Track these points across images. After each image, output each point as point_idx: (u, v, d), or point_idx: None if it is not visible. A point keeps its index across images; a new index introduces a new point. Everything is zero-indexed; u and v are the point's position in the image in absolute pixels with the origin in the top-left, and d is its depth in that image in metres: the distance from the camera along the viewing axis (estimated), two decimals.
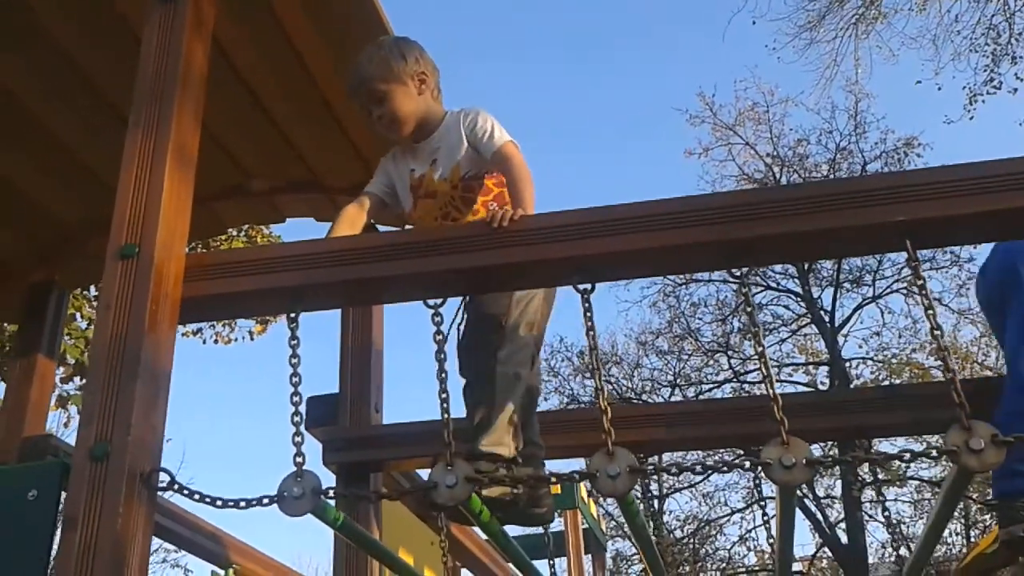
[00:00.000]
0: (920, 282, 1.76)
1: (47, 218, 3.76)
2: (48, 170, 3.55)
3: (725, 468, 1.68)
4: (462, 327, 2.45)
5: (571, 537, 6.78)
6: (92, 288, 9.40)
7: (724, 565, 18.91)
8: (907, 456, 1.62)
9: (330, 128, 3.38)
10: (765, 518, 2.58)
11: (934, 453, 1.62)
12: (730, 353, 19.73)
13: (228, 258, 2.21)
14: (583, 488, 7.61)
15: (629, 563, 20.03)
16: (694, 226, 1.88)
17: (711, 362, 20.19)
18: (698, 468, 1.72)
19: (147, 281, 1.97)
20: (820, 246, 2.06)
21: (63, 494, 1.85)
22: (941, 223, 1.81)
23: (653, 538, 2.34)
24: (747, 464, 1.62)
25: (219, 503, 1.83)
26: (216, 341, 10.71)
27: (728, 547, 19.54)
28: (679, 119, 29.01)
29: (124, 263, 2.00)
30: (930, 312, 1.71)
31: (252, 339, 10.78)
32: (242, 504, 1.83)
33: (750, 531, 19.20)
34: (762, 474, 1.62)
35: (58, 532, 1.83)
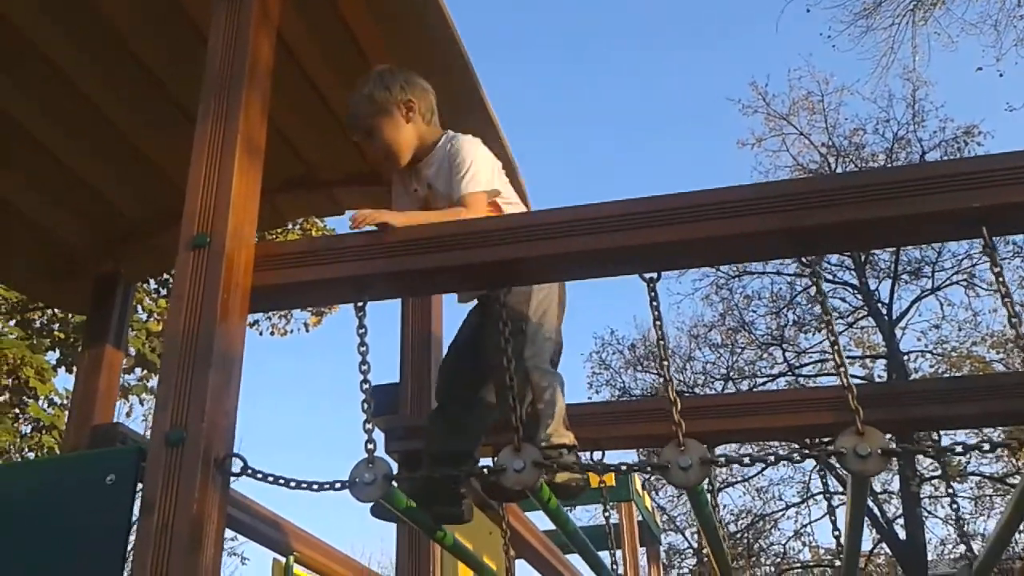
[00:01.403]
0: (996, 269, 1.72)
1: (112, 211, 3.84)
2: (113, 164, 3.63)
3: (798, 458, 1.66)
4: (461, 333, 2.50)
5: (626, 529, 6.76)
6: (152, 281, 9.61)
7: (779, 560, 18.72)
8: (986, 446, 1.59)
9: None
10: (831, 510, 2.55)
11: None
12: (785, 346, 19.48)
13: (296, 248, 2.24)
14: (637, 481, 7.59)
15: (682, 557, 19.96)
16: (764, 213, 1.86)
17: (765, 355, 19.97)
18: (770, 458, 1.70)
19: (218, 270, 2.00)
20: (894, 233, 2.02)
21: (140, 479, 1.90)
22: (1019, 209, 1.76)
23: (720, 529, 2.32)
24: (821, 454, 1.60)
25: (292, 484, 1.86)
26: (272, 333, 10.87)
27: (783, 542, 19.35)
28: (731, 109, 28.66)
29: (196, 253, 2.04)
30: (1007, 300, 1.68)
31: (307, 331, 10.93)
32: (315, 487, 1.86)
33: (805, 526, 18.99)
34: (828, 465, 1.59)
35: (135, 516, 1.88)
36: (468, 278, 2.10)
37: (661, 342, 1.80)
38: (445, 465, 2.27)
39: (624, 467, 1.80)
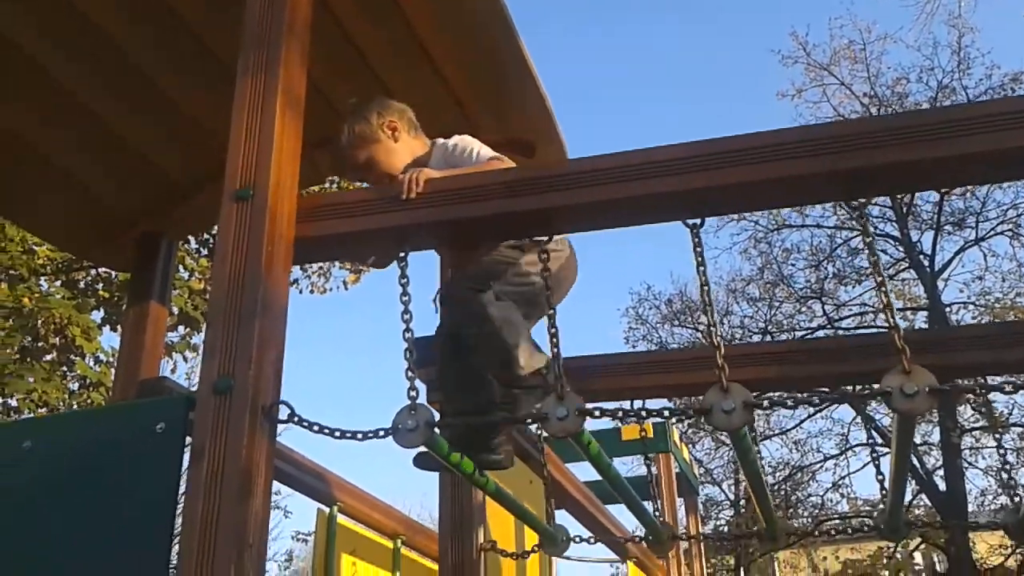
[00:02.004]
0: None
1: (154, 171, 3.87)
2: (154, 123, 3.65)
3: (841, 399, 1.65)
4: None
5: (664, 480, 6.79)
6: (192, 240, 9.72)
7: (817, 511, 18.72)
8: None
9: (427, 75, 3.38)
10: (874, 455, 2.54)
11: None
12: (824, 299, 19.30)
13: (338, 199, 2.25)
14: (675, 432, 7.61)
15: (719, 508, 20.03)
16: (810, 156, 1.83)
17: (804, 309, 19.81)
18: (815, 400, 1.69)
19: (262, 222, 2.02)
20: (942, 174, 1.98)
21: (189, 427, 1.94)
22: None
23: (764, 478, 2.33)
24: (866, 394, 1.58)
25: (337, 434, 1.89)
26: (312, 291, 10.97)
27: (821, 493, 19.34)
28: (771, 60, 28.15)
29: (239, 205, 2.05)
30: None
31: (346, 288, 11.01)
32: (359, 436, 1.88)
33: (843, 478, 18.95)
34: (864, 416, 1.58)
35: (186, 462, 1.92)
36: (510, 227, 2.09)
37: (705, 288, 1.80)
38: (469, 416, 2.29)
39: (667, 412, 1.81)
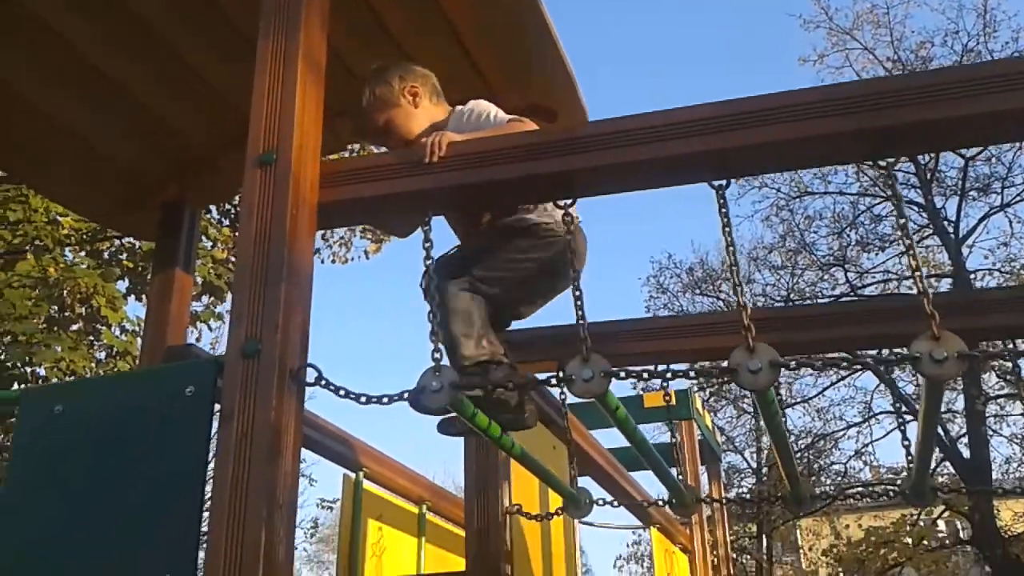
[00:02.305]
0: None
1: (177, 138, 3.88)
2: (176, 91, 3.65)
3: (871, 362, 1.64)
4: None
5: (687, 447, 6.80)
6: (214, 210, 9.77)
7: (839, 479, 18.72)
8: None
9: (448, 41, 3.36)
10: (900, 421, 2.52)
11: None
12: (847, 267, 19.17)
13: (362, 164, 2.25)
14: (698, 399, 7.61)
15: (741, 476, 20.07)
16: (837, 115, 1.81)
17: (826, 276, 19.69)
18: (843, 363, 1.68)
19: (285, 187, 2.02)
20: (973, 133, 1.95)
21: (217, 391, 1.96)
22: None
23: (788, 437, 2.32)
24: (894, 360, 1.58)
25: (363, 399, 1.90)
26: (334, 261, 11.01)
27: (843, 461, 19.33)
28: (792, 25, 27.77)
29: (263, 170, 2.06)
30: None
31: (367, 258, 11.04)
32: (384, 400, 1.89)
33: (866, 446, 18.92)
34: (888, 382, 1.57)
35: (215, 427, 1.94)
36: (533, 190, 2.09)
37: (730, 248, 1.79)
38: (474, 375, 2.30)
39: (692, 373, 1.80)
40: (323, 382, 1.90)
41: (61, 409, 2.13)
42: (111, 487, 2.02)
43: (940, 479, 18.35)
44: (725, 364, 1.67)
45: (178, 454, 1.98)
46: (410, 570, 4.24)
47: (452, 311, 2.28)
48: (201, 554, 1.87)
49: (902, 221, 1.72)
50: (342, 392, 1.91)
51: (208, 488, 1.89)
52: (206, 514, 1.88)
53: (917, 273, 1.64)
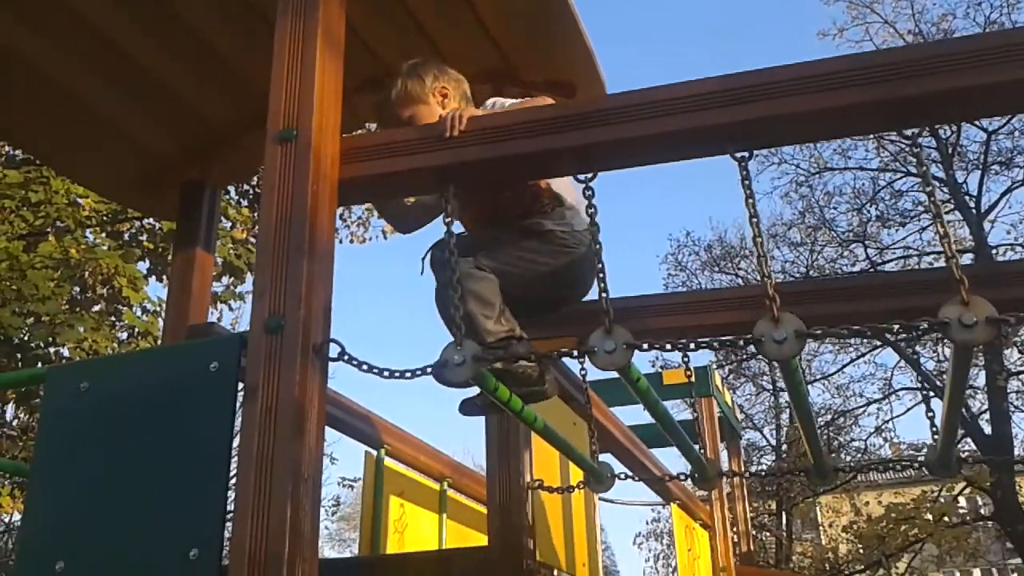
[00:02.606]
0: None
1: (196, 118, 3.89)
2: (196, 70, 3.65)
3: (898, 329, 1.62)
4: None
5: (707, 424, 6.81)
6: (233, 191, 9.80)
7: (860, 456, 18.67)
8: None
9: (467, 16, 3.34)
10: (924, 391, 2.51)
11: None
12: (867, 243, 19.03)
13: (383, 139, 2.24)
14: (717, 376, 7.60)
15: (761, 453, 20.06)
16: (859, 85, 1.79)
17: (846, 252, 19.56)
18: (867, 332, 1.67)
19: (306, 163, 2.02)
20: (999, 102, 1.92)
21: (241, 366, 1.97)
22: None
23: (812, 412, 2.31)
24: (923, 326, 1.56)
25: (386, 373, 1.91)
26: (352, 241, 11.03)
27: (863, 438, 19.27)
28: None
29: (283, 147, 2.06)
30: None
31: (385, 238, 11.06)
32: (407, 374, 1.90)
33: (886, 422, 18.85)
34: (906, 358, 1.55)
35: (239, 402, 1.95)
36: (553, 164, 2.08)
37: (754, 220, 1.77)
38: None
39: (716, 344, 1.80)
40: (346, 357, 1.91)
41: (87, 386, 2.15)
42: (137, 463, 2.04)
43: (962, 453, 18.24)
44: (750, 335, 1.66)
45: (203, 430, 2.00)
46: (431, 546, 4.26)
47: (469, 289, 2.28)
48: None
49: (928, 188, 1.70)
50: (365, 367, 1.91)
51: (233, 463, 1.90)
52: (231, 490, 1.90)
53: (945, 239, 1.62)
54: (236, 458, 1.86)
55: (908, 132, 1.80)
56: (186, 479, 1.96)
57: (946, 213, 18.42)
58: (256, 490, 1.75)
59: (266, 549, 1.72)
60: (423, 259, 2.45)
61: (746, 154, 1.86)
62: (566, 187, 2.55)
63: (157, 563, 1.90)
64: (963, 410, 16.72)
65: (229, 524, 1.85)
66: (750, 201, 1.80)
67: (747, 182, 1.83)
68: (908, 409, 18.38)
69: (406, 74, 2.69)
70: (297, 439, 1.79)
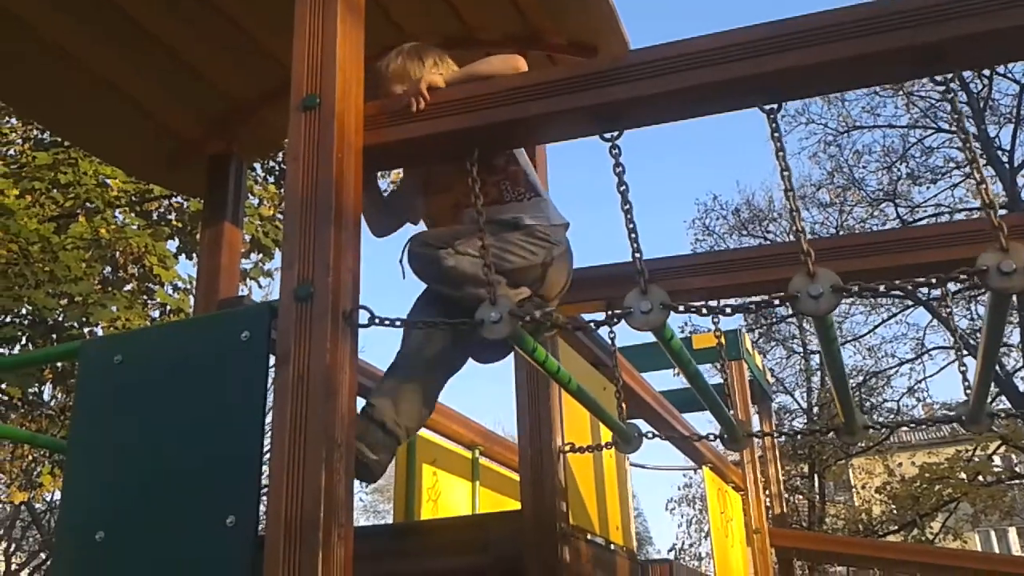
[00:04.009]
0: None
1: (220, 92, 3.89)
2: (218, 45, 3.65)
3: (936, 282, 1.60)
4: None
5: (737, 388, 6.77)
6: (259, 168, 9.82)
7: (892, 416, 18.55)
8: None
9: None
10: (958, 348, 2.48)
11: None
12: (897, 201, 18.79)
13: (403, 104, 2.22)
14: (748, 340, 7.56)
15: (792, 416, 19.98)
16: (890, 31, 1.74)
17: (876, 212, 19.31)
18: (908, 287, 1.64)
19: (330, 130, 2.02)
20: None
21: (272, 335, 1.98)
22: None
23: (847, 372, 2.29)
24: (961, 276, 1.53)
25: (420, 325, 1.93)
26: None
27: (896, 399, 19.15)
28: None
29: (307, 114, 2.05)
30: None
31: None
32: (442, 328, 1.90)
33: (919, 382, 18.70)
34: (937, 315, 1.52)
35: (271, 368, 1.96)
36: (578, 123, 2.05)
37: (785, 173, 1.74)
38: None
39: (752, 305, 1.78)
40: (376, 320, 1.91)
41: (120, 359, 2.17)
42: (171, 433, 2.06)
43: (997, 408, 18.06)
44: (785, 291, 1.63)
45: (236, 399, 2.01)
46: (465, 513, 4.29)
47: (464, 275, 2.28)
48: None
49: (963, 136, 1.66)
50: (399, 323, 1.91)
51: (266, 431, 1.92)
52: (266, 457, 1.91)
53: (982, 185, 1.59)
54: (269, 425, 1.87)
55: (940, 78, 1.76)
56: (220, 448, 1.98)
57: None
58: (290, 457, 1.76)
59: (302, 515, 1.74)
60: (400, 262, 2.41)
61: (775, 106, 1.83)
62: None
63: (195, 531, 1.92)
64: (997, 368, 16.57)
65: (265, 491, 1.86)
66: (780, 154, 1.77)
67: (777, 135, 1.80)
68: (941, 368, 18.23)
69: (406, 53, 2.68)
70: (329, 405, 1.80)
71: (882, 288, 1.61)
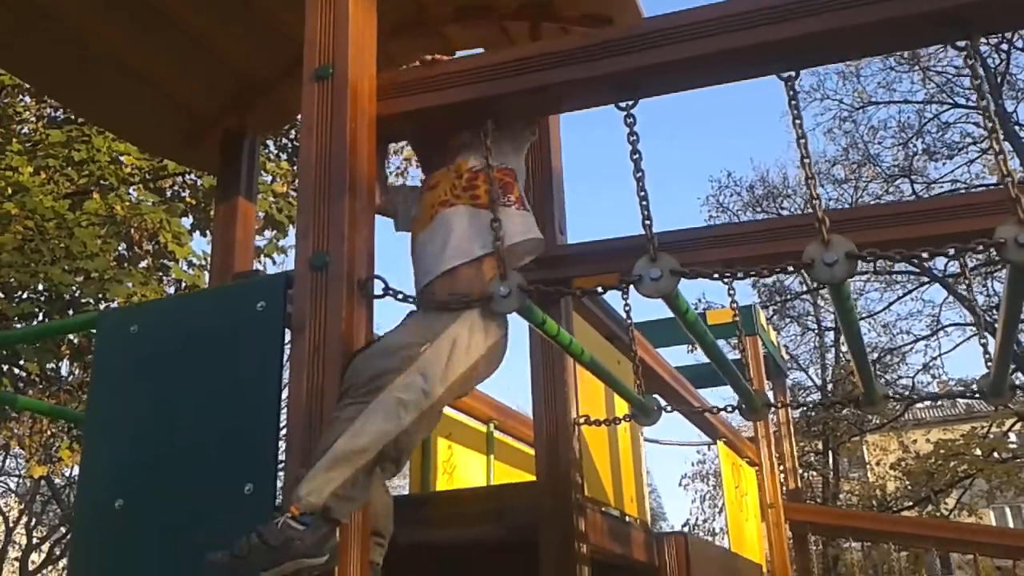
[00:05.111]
0: None
1: (233, 68, 3.89)
2: (232, 19, 3.64)
3: (952, 253, 1.59)
4: None
5: (752, 363, 6.75)
6: (272, 145, 9.82)
7: (907, 393, 18.48)
8: None
9: None
10: (977, 320, 2.46)
11: None
12: (913, 177, 18.62)
13: (419, 75, 2.22)
14: (762, 315, 7.54)
15: (807, 393, 19.93)
16: None
17: (892, 188, 19.14)
18: (924, 255, 1.64)
19: (344, 100, 2.02)
20: None
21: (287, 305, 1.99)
22: None
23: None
24: (979, 247, 1.52)
25: (435, 301, 1.90)
26: None
27: (911, 375, 19.07)
28: None
29: (321, 84, 2.05)
30: None
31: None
32: (453, 305, 1.90)
33: (934, 359, 18.60)
34: (948, 284, 1.50)
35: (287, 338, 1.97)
36: (594, 92, 2.04)
37: (802, 140, 1.73)
38: None
39: (765, 271, 1.77)
40: (391, 291, 1.91)
41: (136, 329, 2.19)
42: (188, 402, 2.08)
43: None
44: (800, 259, 1.63)
45: (252, 368, 2.02)
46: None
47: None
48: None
49: (983, 103, 1.64)
50: (411, 299, 1.92)
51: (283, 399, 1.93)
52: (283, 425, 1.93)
53: (1000, 156, 1.57)
54: (286, 394, 1.88)
55: (961, 44, 1.74)
56: (237, 416, 1.99)
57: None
58: (306, 424, 1.77)
59: None
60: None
61: (792, 74, 1.81)
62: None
63: (213, 498, 1.94)
64: (1016, 345, 16.46)
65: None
66: (797, 122, 1.76)
67: (794, 102, 1.79)
68: (956, 345, 18.13)
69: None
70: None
71: (897, 256, 1.59)
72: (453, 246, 2.07)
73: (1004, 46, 16.37)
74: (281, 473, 1.87)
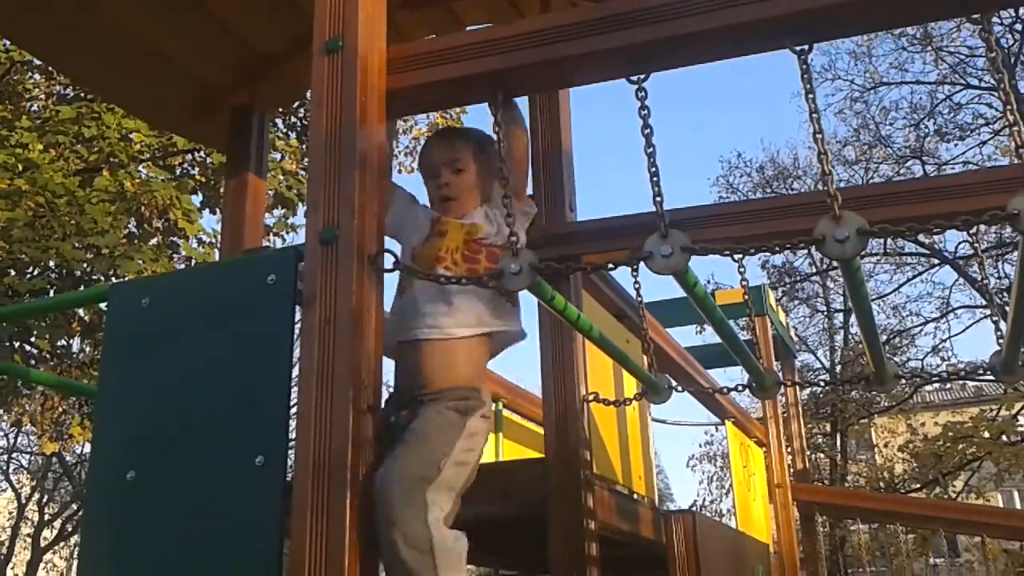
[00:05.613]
0: None
1: (242, 43, 3.88)
2: None
3: (962, 225, 1.58)
4: None
5: (761, 343, 6.74)
6: (280, 123, 9.82)
7: (917, 373, 18.40)
8: None
9: None
10: (992, 301, 2.45)
11: None
12: (924, 159, 18.52)
13: (430, 47, 2.20)
14: (771, 296, 7.52)
15: (816, 374, 19.93)
16: None
17: (903, 170, 19.05)
18: (933, 229, 1.62)
19: (354, 73, 2.01)
20: None
21: (298, 279, 1.99)
22: None
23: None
24: (991, 219, 1.51)
25: (443, 280, 1.91)
26: (400, 171, 11.03)
27: (920, 357, 19.04)
28: None
29: (330, 57, 2.04)
30: None
31: None
32: (463, 281, 1.90)
33: (944, 341, 18.58)
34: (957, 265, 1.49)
35: (297, 311, 1.97)
36: (606, 65, 2.02)
37: (814, 115, 1.72)
38: None
39: (777, 247, 1.76)
40: (401, 266, 1.91)
41: (148, 302, 2.19)
42: (199, 375, 2.08)
43: None
44: (810, 235, 1.62)
45: (262, 341, 2.03)
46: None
47: None
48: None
49: (999, 76, 1.63)
50: (420, 275, 1.92)
51: (294, 372, 1.93)
52: (294, 398, 1.93)
53: (1016, 127, 1.55)
54: (296, 367, 1.89)
55: (976, 16, 1.72)
56: (248, 389, 2.00)
57: (1010, 126, 17.79)
58: (318, 396, 1.78)
59: (330, 455, 1.76)
60: None
61: (805, 47, 1.79)
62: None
63: (224, 469, 1.95)
64: None
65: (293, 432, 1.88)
66: (810, 96, 1.74)
67: (807, 76, 1.77)
68: (966, 328, 18.07)
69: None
70: (356, 347, 1.81)
71: (908, 232, 1.58)
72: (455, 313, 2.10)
73: (1018, 26, 16.22)
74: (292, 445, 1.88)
